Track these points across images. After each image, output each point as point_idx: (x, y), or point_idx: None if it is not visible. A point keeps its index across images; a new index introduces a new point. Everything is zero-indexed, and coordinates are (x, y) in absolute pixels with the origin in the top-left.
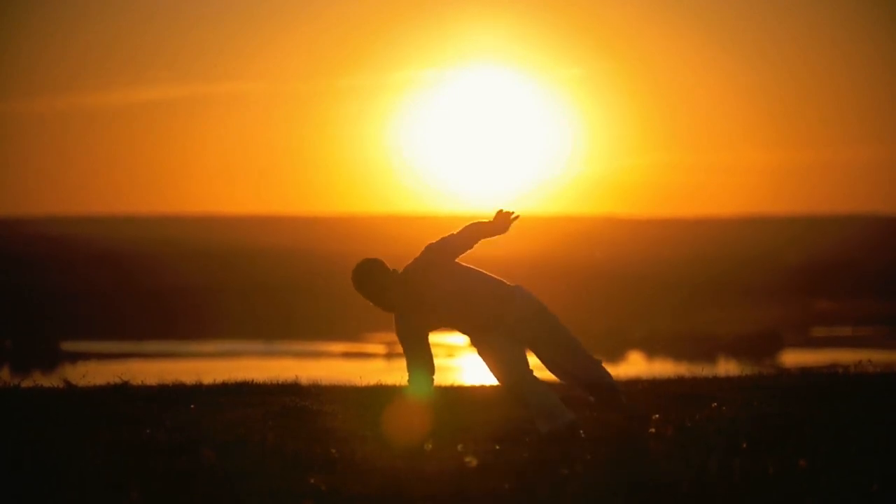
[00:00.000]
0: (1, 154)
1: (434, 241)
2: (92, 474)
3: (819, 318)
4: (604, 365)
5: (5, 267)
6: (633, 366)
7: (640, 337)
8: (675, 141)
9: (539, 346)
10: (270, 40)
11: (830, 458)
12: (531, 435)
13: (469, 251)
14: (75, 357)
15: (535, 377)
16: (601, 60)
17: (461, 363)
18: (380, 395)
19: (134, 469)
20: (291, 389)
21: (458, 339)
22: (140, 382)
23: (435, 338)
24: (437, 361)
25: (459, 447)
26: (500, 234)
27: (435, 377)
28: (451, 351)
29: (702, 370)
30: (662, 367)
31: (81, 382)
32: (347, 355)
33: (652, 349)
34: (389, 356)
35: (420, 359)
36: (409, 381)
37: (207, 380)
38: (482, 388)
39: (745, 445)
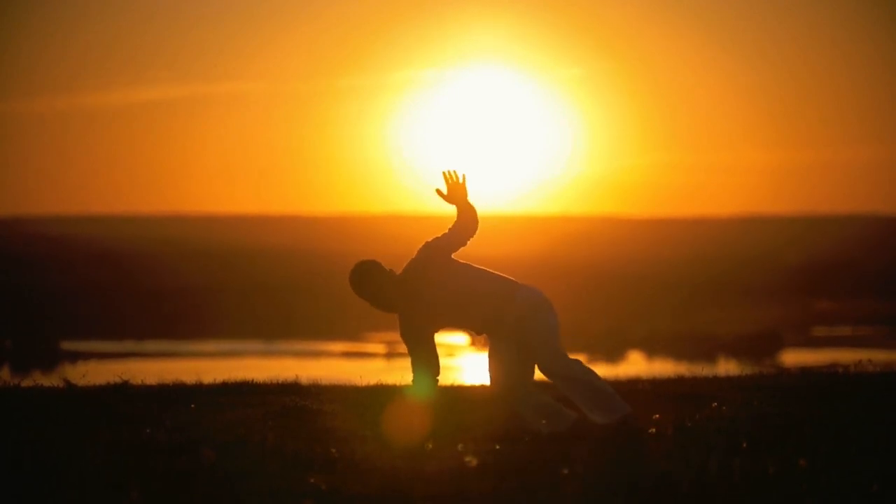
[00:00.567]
0: (1, 154)
1: (430, 239)
2: (92, 474)
3: (819, 317)
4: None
5: (5, 266)
6: (633, 365)
7: (640, 337)
8: (675, 141)
9: (534, 348)
10: (270, 40)
11: (831, 458)
12: (531, 435)
13: (464, 248)
14: (75, 357)
15: (531, 393)
16: (601, 60)
17: (461, 363)
18: (380, 394)
19: (134, 469)
20: (292, 389)
21: (459, 338)
22: (140, 382)
23: (437, 338)
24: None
25: (459, 447)
26: (460, 203)
27: (439, 378)
28: (451, 350)
29: (702, 370)
30: (663, 367)
31: (81, 382)
32: (347, 355)
33: (652, 349)
34: (390, 356)
35: (423, 359)
36: (412, 381)
37: (207, 379)
38: (482, 387)
39: (745, 445)
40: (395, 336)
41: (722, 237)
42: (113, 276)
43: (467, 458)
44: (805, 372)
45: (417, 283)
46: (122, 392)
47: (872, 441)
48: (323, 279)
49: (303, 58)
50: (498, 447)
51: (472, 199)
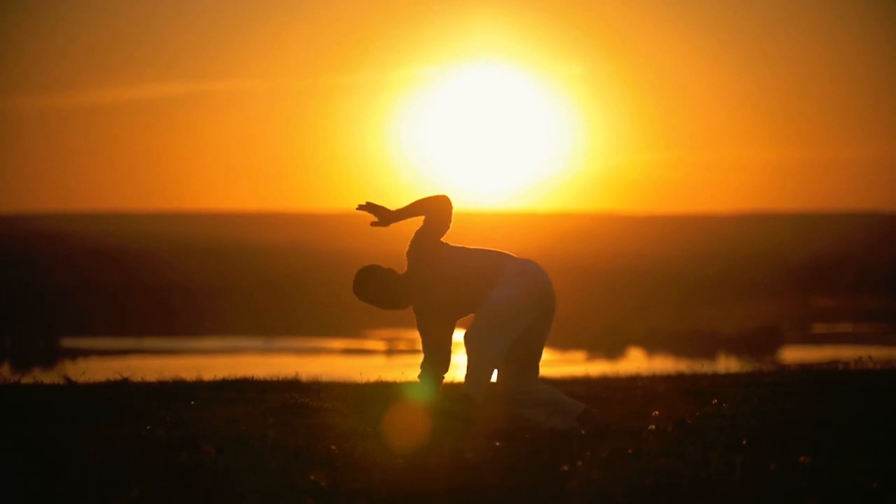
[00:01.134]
0: (2, 151)
1: (420, 226)
2: (92, 471)
3: (819, 314)
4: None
5: (6, 263)
6: (633, 362)
7: (640, 333)
8: (675, 138)
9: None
10: (271, 38)
11: (831, 455)
12: (531, 432)
13: (449, 230)
14: (75, 353)
15: (537, 390)
16: (602, 58)
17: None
18: (380, 391)
19: (134, 465)
20: (292, 386)
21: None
22: (140, 379)
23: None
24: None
25: (459, 444)
26: (397, 216)
27: (444, 375)
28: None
29: (702, 367)
30: (663, 364)
31: (81, 379)
32: (348, 352)
33: (652, 346)
34: (390, 353)
35: (433, 354)
36: (419, 375)
37: (208, 376)
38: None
39: (745, 442)
40: (396, 333)
41: (722, 234)
42: (113, 272)
43: (467, 455)
44: (805, 368)
45: (421, 272)
46: (122, 389)
47: (873, 438)
48: (323, 276)
49: (303, 55)
50: (498, 444)
51: (476, 195)
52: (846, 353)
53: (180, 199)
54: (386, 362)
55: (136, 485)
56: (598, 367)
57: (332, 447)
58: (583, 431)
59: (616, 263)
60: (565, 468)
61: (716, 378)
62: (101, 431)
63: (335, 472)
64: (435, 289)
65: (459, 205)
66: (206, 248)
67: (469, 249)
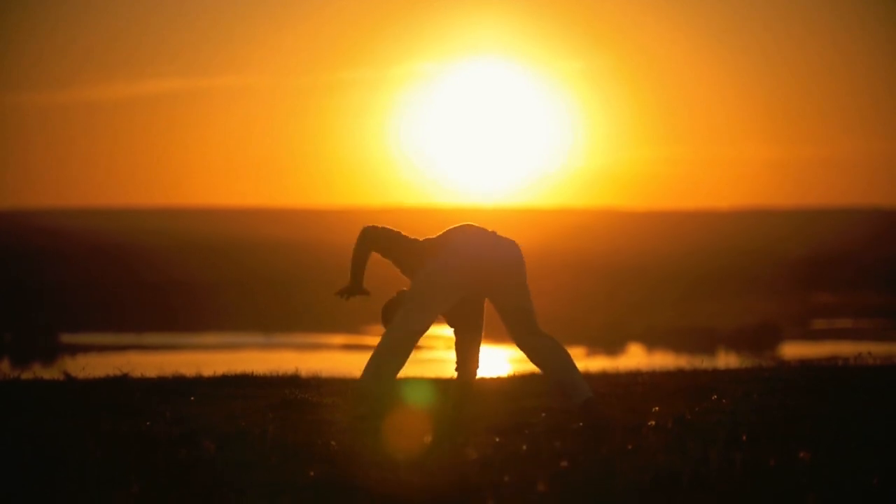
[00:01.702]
0: (3, 146)
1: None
2: (92, 467)
3: (819, 310)
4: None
5: (6, 259)
6: (633, 358)
7: (639, 329)
8: (675, 134)
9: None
10: (272, 34)
11: (831, 451)
12: (531, 427)
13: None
14: (75, 349)
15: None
16: (602, 54)
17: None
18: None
19: (134, 461)
20: (292, 381)
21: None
22: (140, 375)
23: (434, 330)
24: (436, 354)
25: (459, 439)
26: (354, 275)
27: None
28: (449, 343)
29: (702, 362)
30: (662, 360)
31: (81, 375)
32: (347, 347)
33: (652, 341)
34: None
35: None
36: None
37: (207, 372)
38: (482, 379)
39: (745, 438)
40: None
41: (722, 230)
42: (113, 268)
43: (467, 451)
44: (805, 364)
45: (421, 271)
46: (122, 384)
47: (873, 434)
48: (323, 272)
49: (303, 52)
50: (498, 439)
51: (475, 191)
52: (846, 348)
53: (180, 195)
54: None
55: (135, 481)
56: (598, 363)
57: (332, 443)
58: (581, 424)
59: (616, 259)
60: (564, 464)
61: (716, 374)
62: (100, 427)
63: (335, 468)
64: (437, 276)
65: (459, 200)
66: (206, 243)
67: (435, 237)
